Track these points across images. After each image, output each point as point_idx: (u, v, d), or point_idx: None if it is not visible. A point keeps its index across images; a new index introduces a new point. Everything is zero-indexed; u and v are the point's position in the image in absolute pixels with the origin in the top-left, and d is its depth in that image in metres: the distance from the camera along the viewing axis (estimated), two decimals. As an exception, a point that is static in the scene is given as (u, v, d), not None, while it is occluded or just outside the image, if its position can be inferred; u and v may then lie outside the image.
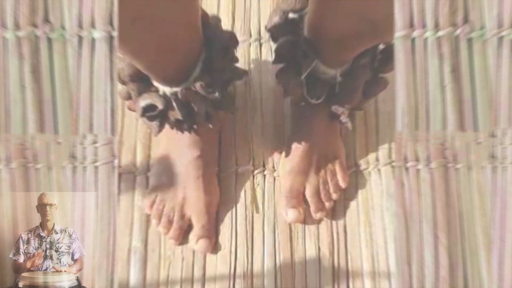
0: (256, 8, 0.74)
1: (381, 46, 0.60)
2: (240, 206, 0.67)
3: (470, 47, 0.71)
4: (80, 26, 0.70)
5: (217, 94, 0.56)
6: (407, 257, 0.65)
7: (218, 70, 0.57)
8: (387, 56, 0.60)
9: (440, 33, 0.72)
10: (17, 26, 0.69)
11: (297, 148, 0.66)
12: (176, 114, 0.56)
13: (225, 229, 0.66)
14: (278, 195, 0.67)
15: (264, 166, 0.69)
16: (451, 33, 0.72)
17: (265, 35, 0.73)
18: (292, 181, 0.67)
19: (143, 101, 0.56)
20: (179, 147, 0.64)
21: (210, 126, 0.60)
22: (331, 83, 0.58)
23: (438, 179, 0.67)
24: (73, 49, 0.69)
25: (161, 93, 0.56)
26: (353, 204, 0.67)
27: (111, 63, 0.70)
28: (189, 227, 0.67)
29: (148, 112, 0.57)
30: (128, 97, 0.59)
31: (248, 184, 0.68)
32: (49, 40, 0.69)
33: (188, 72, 0.56)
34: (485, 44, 0.72)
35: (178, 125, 0.59)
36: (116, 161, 0.67)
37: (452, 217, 0.66)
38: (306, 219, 0.67)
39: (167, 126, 0.60)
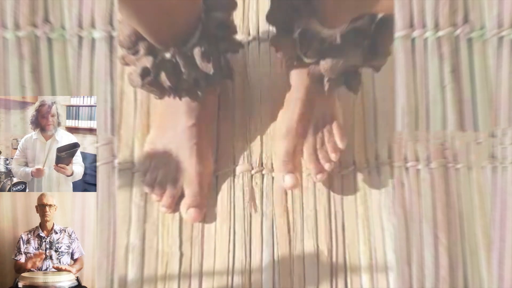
0: (254, 7, 0.74)
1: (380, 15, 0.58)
2: (238, 204, 0.67)
3: (470, 47, 0.71)
4: (80, 26, 0.70)
5: (210, 65, 0.56)
6: (407, 257, 0.65)
7: (215, 38, 0.57)
8: (386, 24, 0.57)
9: (440, 33, 0.72)
10: (17, 26, 0.69)
11: (293, 110, 0.64)
12: (165, 79, 0.56)
13: (223, 226, 0.66)
14: (277, 194, 0.67)
15: (262, 165, 0.69)
16: (451, 33, 0.72)
17: (264, 34, 0.73)
18: (288, 144, 0.64)
19: (139, 66, 0.56)
20: (174, 114, 0.64)
21: (199, 93, 0.59)
22: (326, 43, 0.57)
23: (438, 179, 0.67)
24: (73, 49, 0.69)
25: (159, 58, 0.56)
26: (351, 201, 0.67)
27: (111, 63, 0.70)
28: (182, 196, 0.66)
29: (146, 76, 0.56)
30: (126, 62, 0.59)
31: (246, 183, 0.68)
32: (49, 40, 0.69)
33: (186, 37, 0.55)
34: (485, 44, 0.72)
35: (162, 91, 0.58)
36: (116, 161, 0.67)
37: (452, 217, 0.66)
38: (304, 214, 0.66)
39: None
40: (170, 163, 0.65)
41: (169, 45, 0.56)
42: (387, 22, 0.57)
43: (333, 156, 0.65)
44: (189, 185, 0.65)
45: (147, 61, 0.56)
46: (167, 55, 0.56)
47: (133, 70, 0.57)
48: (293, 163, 0.64)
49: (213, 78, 0.59)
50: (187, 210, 0.65)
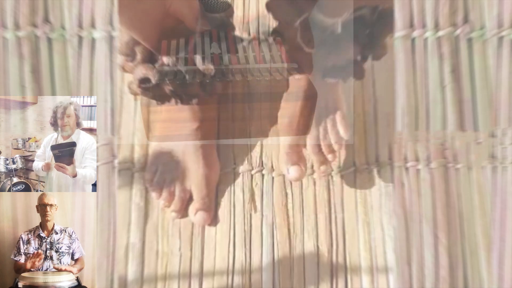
0: (254, 7, 0.74)
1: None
2: (238, 205, 0.67)
3: (470, 47, 0.71)
4: (80, 26, 0.70)
5: (212, 67, 0.55)
6: (407, 257, 0.65)
7: (215, 37, 0.57)
8: (386, 15, 0.57)
9: (440, 33, 0.72)
10: (17, 26, 0.69)
11: (295, 102, 0.64)
12: (168, 85, 0.56)
13: (223, 226, 0.66)
14: (277, 194, 0.67)
15: (262, 165, 0.69)
16: (451, 33, 0.72)
17: (264, 33, 0.73)
18: (291, 136, 0.64)
19: (137, 74, 0.55)
20: (178, 119, 0.64)
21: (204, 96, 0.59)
22: (327, 32, 0.56)
23: (438, 179, 0.67)
24: (73, 49, 0.69)
25: (158, 65, 0.55)
26: (351, 202, 0.67)
27: (111, 63, 0.70)
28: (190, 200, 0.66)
29: (144, 84, 0.56)
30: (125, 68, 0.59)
31: (246, 184, 0.68)
32: (49, 40, 0.69)
33: (184, 41, 0.55)
34: (485, 44, 0.72)
35: (168, 97, 0.58)
36: (116, 161, 0.67)
37: (452, 217, 0.66)
38: (304, 215, 0.66)
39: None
40: (177, 168, 0.65)
41: (166, 50, 0.55)
42: (387, 15, 0.57)
43: (336, 147, 0.65)
44: (197, 189, 0.65)
45: (146, 69, 0.55)
46: (167, 61, 0.56)
47: (132, 78, 0.58)
48: (297, 154, 0.64)
49: (214, 78, 0.59)
50: (195, 214, 0.65)
